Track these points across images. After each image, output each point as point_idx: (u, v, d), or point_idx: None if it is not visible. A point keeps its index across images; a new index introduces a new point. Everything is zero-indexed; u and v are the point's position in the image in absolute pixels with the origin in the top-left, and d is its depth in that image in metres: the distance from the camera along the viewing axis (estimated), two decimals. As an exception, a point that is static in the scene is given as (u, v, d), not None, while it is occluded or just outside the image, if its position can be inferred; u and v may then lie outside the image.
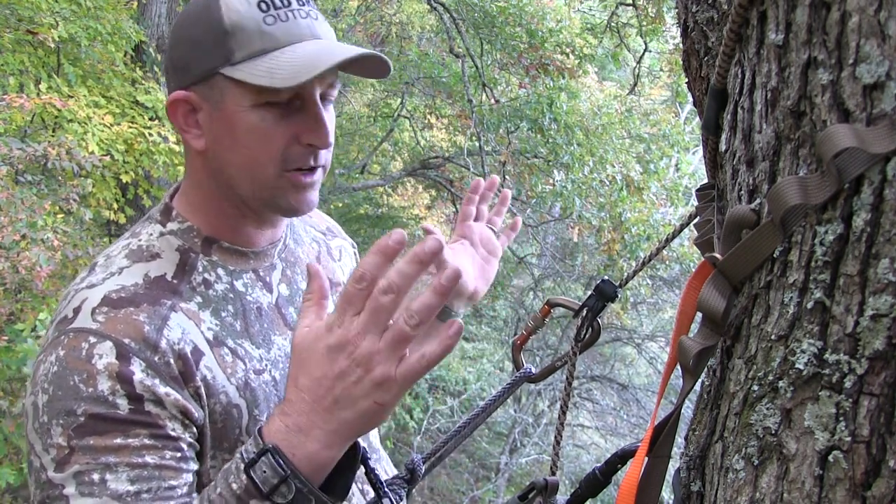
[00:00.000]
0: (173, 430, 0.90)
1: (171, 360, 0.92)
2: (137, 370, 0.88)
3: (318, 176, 1.01)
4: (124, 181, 4.88)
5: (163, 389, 0.89)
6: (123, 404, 0.87)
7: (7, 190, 3.63)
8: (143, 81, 5.25)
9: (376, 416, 0.79)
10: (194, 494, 0.93)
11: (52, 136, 4.42)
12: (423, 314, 0.75)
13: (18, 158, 3.77)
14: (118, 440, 0.87)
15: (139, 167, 4.83)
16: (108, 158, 4.44)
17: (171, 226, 1.03)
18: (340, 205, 9.22)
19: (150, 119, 5.05)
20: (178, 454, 0.91)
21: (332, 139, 0.99)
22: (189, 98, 0.97)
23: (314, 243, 1.23)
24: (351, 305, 0.77)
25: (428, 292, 0.75)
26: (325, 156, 1.01)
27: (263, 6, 0.93)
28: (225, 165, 0.99)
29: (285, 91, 0.93)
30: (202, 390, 0.94)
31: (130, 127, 4.73)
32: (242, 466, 0.81)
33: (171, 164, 4.82)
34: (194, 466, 0.94)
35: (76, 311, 0.92)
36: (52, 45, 4.55)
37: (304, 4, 0.97)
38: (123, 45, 5.09)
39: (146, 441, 0.88)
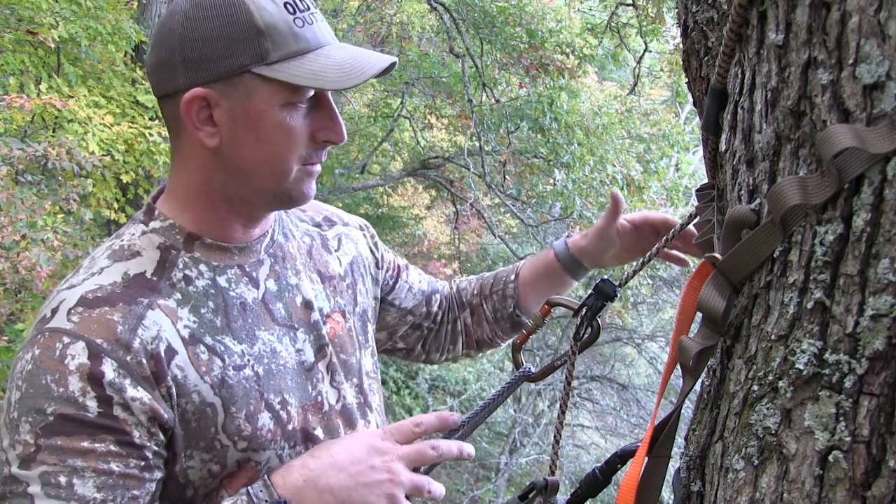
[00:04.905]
0: (139, 437, 0.91)
1: (144, 360, 0.92)
2: (109, 370, 0.89)
3: (319, 167, 1.09)
4: (124, 181, 4.88)
5: (132, 392, 0.90)
6: (93, 406, 0.88)
7: (7, 190, 3.63)
8: (143, 81, 5.24)
9: None
10: (157, 503, 0.95)
11: (53, 136, 4.43)
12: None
13: (18, 158, 3.77)
14: (85, 443, 0.88)
15: (139, 167, 4.83)
16: (108, 158, 4.44)
17: (154, 224, 1.04)
18: (340, 205, 9.21)
19: (151, 119, 5.06)
20: (142, 463, 0.92)
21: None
22: (207, 95, 0.96)
23: (306, 237, 1.22)
24: (402, 435, 1.01)
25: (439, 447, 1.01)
26: None
27: (290, 8, 0.96)
28: (241, 162, 1.00)
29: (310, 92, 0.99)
30: (173, 390, 0.94)
31: (131, 127, 4.73)
32: None
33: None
34: (158, 475, 0.94)
35: (54, 311, 0.94)
36: (52, 45, 4.55)
37: (309, 8, 0.99)
38: (123, 45, 5.09)
39: (112, 448, 0.89)
